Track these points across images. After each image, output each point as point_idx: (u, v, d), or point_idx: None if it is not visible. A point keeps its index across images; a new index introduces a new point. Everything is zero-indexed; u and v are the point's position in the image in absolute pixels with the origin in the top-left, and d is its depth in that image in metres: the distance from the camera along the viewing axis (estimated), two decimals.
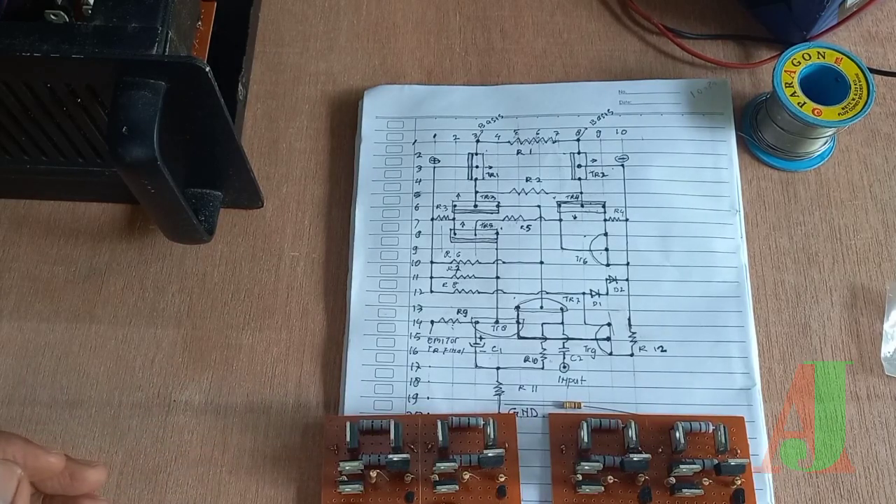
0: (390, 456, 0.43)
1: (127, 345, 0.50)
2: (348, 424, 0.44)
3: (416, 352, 0.48)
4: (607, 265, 0.50)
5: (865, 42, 0.56)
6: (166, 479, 0.46)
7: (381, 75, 0.57)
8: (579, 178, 0.52)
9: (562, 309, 0.49)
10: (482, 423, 0.45)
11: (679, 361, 0.47)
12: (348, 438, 0.43)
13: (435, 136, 0.54)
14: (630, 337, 0.48)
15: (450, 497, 0.44)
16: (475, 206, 0.52)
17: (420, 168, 0.53)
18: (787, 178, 0.53)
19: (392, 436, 0.43)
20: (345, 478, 0.43)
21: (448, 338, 0.49)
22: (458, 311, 0.49)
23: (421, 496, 0.44)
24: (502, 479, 0.44)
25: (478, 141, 0.53)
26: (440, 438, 0.43)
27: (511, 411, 0.47)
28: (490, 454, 0.43)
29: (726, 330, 0.48)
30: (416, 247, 0.51)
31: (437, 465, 0.43)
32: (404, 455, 0.43)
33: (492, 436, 0.43)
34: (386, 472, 0.44)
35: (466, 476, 0.43)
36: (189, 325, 0.50)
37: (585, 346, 0.48)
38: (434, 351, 0.48)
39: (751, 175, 0.53)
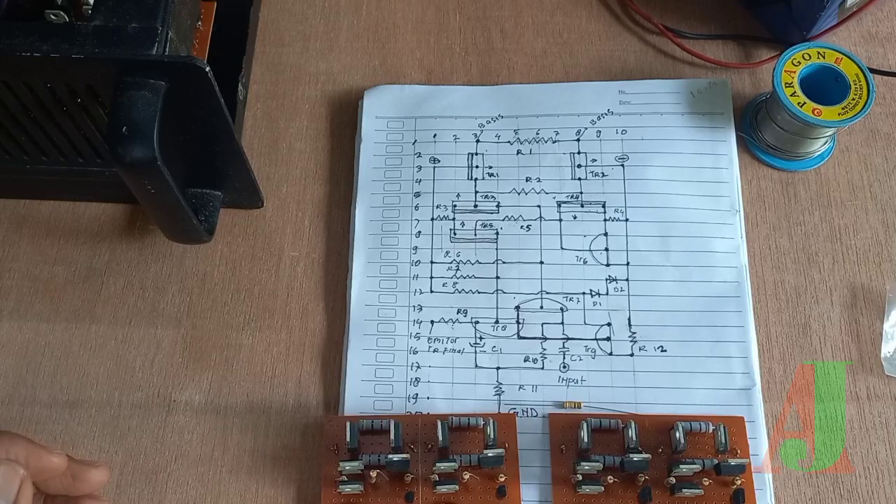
0: (390, 456, 0.43)
1: (127, 345, 0.50)
2: (348, 424, 0.44)
3: (416, 352, 0.48)
4: (607, 265, 0.50)
5: (865, 42, 0.56)
6: (166, 479, 0.46)
7: (381, 75, 0.57)
8: (579, 178, 0.52)
9: (562, 309, 0.49)
10: (482, 423, 0.45)
11: (679, 361, 0.47)
12: (348, 438, 0.43)
13: (435, 136, 0.54)
14: (630, 337, 0.48)
15: (450, 497, 0.44)
16: (475, 206, 0.52)
17: (420, 168, 0.53)
18: (787, 178, 0.53)
19: (392, 436, 0.43)
20: (345, 478, 0.43)
21: (448, 338, 0.49)
22: (458, 311, 0.49)
23: (421, 496, 0.44)
24: (502, 479, 0.44)
25: (478, 141, 0.53)
26: (440, 438, 0.43)
27: (511, 411, 0.47)
28: (490, 454, 0.43)
29: (726, 330, 0.48)
30: (416, 247, 0.51)
31: (437, 465, 0.43)
32: (404, 455, 0.43)
33: (492, 436, 0.43)
34: (386, 472, 0.44)
35: (466, 476, 0.43)
36: (189, 325, 0.50)
37: (585, 346, 0.48)
38: (434, 351, 0.48)
39: (751, 175, 0.53)
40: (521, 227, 0.51)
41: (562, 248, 0.50)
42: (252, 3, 0.56)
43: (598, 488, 0.43)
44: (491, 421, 0.44)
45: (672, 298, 0.49)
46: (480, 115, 0.54)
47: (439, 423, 0.43)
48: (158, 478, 0.46)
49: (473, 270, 0.50)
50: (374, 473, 0.43)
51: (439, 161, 0.53)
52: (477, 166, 0.53)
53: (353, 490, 0.43)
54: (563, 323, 0.48)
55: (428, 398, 0.47)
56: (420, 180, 0.52)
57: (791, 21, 0.55)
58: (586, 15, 0.58)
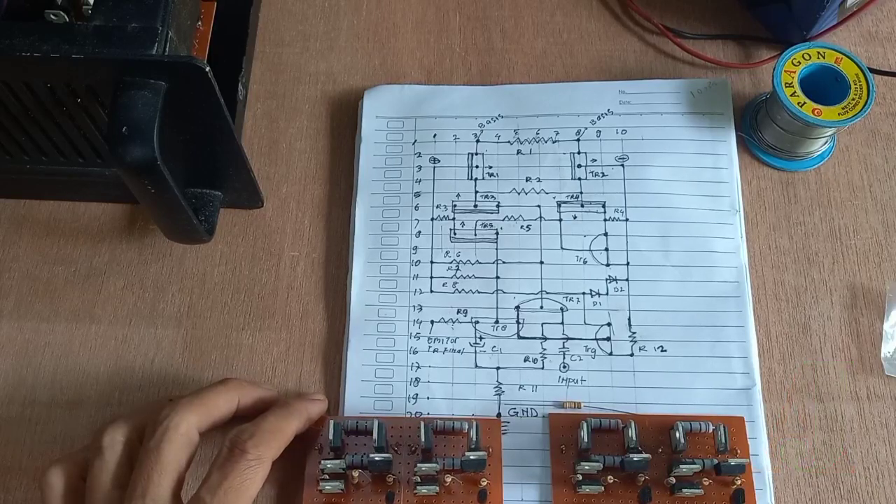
0: (372, 456, 0.42)
1: (127, 345, 0.50)
2: (331, 423, 0.44)
3: (416, 352, 0.48)
4: (607, 265, 0.50)
5: (865, 42, 0.56)
6: None
7: (381, 75, 0.57)
8: (579, 178, 0.52)
9: (562, 309, 0.49)
10: (467, 426, 0.44)
11: (679, 361, 0.47)
12: (331, 437, 0.43)
13: (435, 136, 0.54)
14: (630, 337, 0.48)
15: (430, 499, 0.43)
16: (475, 206, 0.52)
17: (420, 168, 0.53)
18: (787, 178, 0.53)
19: (375, 436, 0.43)
20: (327, 476, 0.43)
21: (448, 338, 0.49)
22: (458, 311, 0.49)
23: (402, 497, 0.43)
24: (484, 484, 0.43)
25: (478, 141, 0.53)
26: (422, 440, 0.43)
27: (511, 411, 0.47)
28: (472, 457, 0.42)
29: (726, 330, 0.48)
30: (416, 247, 0.51)
31: (419, 466, 0.43)
32: (386, 455, 0.42)
33: (474, 439, 0.43)
34: (368, 473, 0.43)
35: (448, 479, 0.43)
36: (189, 325, 0.50)
37: (585, 346, 0.48)
38: (434, 351, 0.48)
39: (751, 175, 0.53)
40: (521, 227, 0.51)
41: (562, 248, 0.50)
42: (252, 3, 0.56)
43: (598, 488, 0.43)
44: (474, 424, 0.43)
45: (672, 298, 0.49)
46: (480, 115, 0.54)
47: (422, 425, 0.43)
48: None
49: (473, 270, 0.50)
50: (355, 473, 0.43)
51: (439, 161, 0.53)
52: (477, 166, 0.53)
53: (334, 489, 0.43)
54: (563, 323, 0.48)
55: (428, 398, 0.47)
56: (420, 180, 0.52)
57: (791, 21, 0.55)
58: (586, 15, 0.58)
